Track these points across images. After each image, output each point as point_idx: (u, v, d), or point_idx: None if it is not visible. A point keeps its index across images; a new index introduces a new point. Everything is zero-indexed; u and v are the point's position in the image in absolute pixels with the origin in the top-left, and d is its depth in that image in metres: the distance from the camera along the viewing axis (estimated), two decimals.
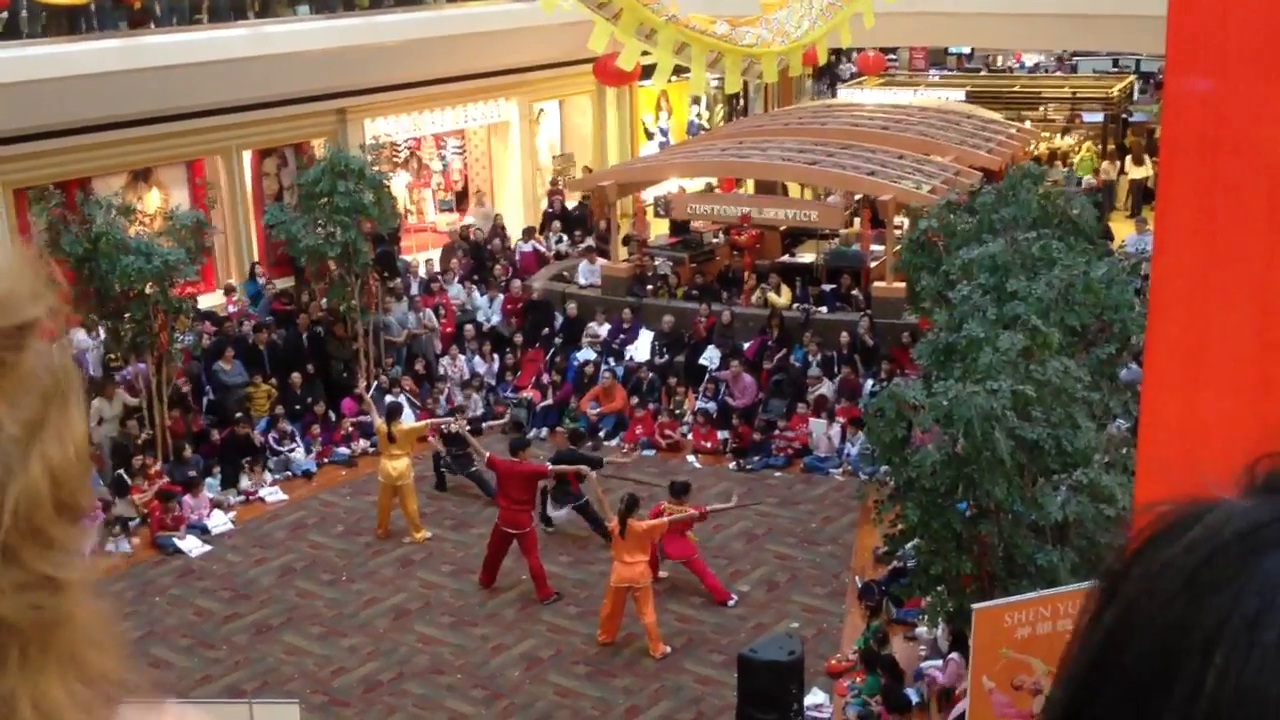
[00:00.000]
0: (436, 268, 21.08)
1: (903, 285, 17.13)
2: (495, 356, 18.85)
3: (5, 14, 17.62)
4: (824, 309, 18.64)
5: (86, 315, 15.52)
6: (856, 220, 19.95)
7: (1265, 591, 0.67)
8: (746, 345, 18.04)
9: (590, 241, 21.21)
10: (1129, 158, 25.73)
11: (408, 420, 15.75)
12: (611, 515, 12.79)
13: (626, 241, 20.62)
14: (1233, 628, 0.67)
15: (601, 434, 17.22)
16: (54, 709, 0.72)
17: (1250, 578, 0.68)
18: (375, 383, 17.78)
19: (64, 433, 0.73)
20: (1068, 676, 0.76)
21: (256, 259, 20.37)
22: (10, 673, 0.70)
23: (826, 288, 19.11)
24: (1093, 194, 20.21)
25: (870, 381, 16.83)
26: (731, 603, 13.25)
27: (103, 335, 16.33)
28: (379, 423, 15.05)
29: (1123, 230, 21.86)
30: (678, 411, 17.48)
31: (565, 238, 22.49)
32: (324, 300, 18.41)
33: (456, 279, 20.53)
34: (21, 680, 0.71)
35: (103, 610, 0.78)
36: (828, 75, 30.46)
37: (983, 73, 31.87)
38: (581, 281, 20.18)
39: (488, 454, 14.14)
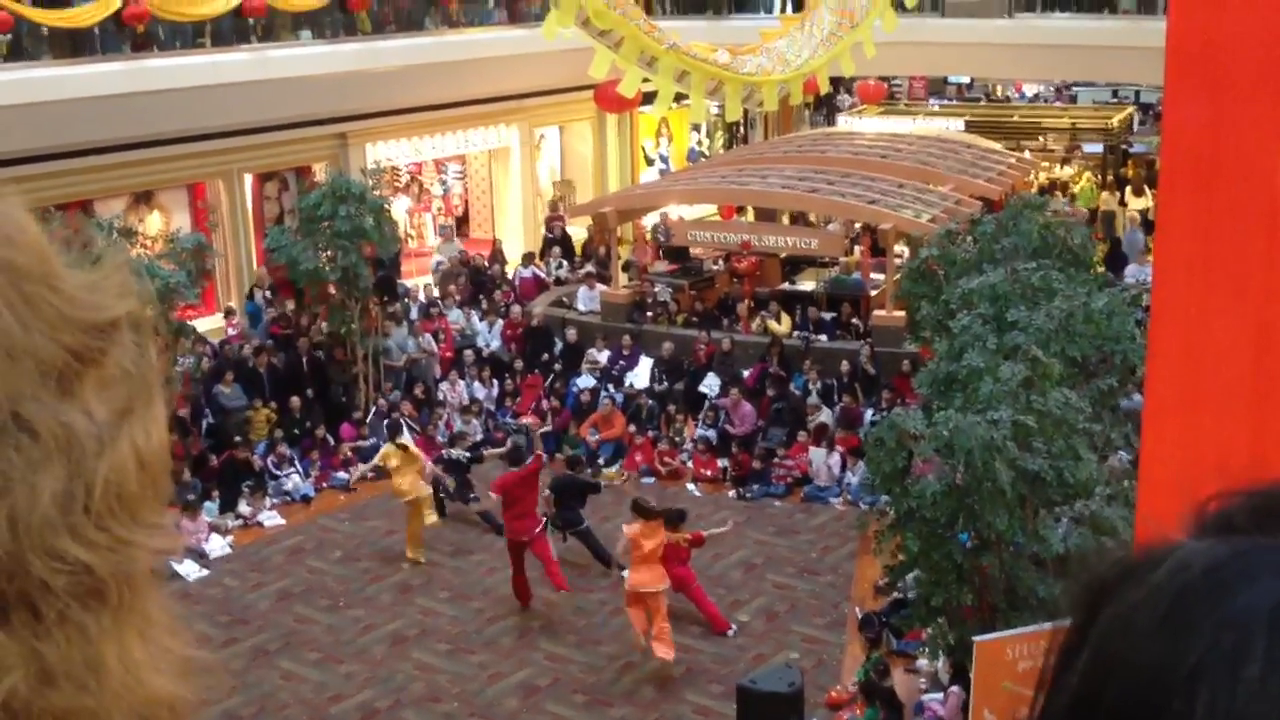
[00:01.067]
0: (435, 292, 21.10)
1: (903, 314, 17.14)
2: (494, 382, 18.84)
3: (9, 36, 17.69)
4: (824, 337, 18.64)
5: None
6: (857, 248, 19.97)
7: (1239, 627, 0.68)
8: (747, 373, 18.02)
9: (590, 267, 21.21)
10: (1129, 188, 25.76)
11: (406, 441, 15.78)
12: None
13: (626, 268, 20.63)
14: (1213, 665, 0.68)
15: (601, 461, 17.18)
16: (135, 664, 0.77)
17: (1223, 615, 0.69)
18: (374, 407, 17.78)
19: (149, 422, 0.79)
20: None
21: (257, 281, 20.38)
22: (102, 622, 0.75)
23: (826, 316, 19.11)
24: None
25: (870, 411, 16.81)
26: (730, 632, 13.18)
27: None
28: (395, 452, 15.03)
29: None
30: (677, 439, 17.45)
31: (565, 263, 22.51)
32: (324, 324, 18.43)
33: (456, 304, 20.54)
34: (111, 631, 0.76)
35: (171, 604, 0.84)
36: (825, 107, 30.53)
37: (982, 102, 31.96)
38: (581, 307, 20.17)
39: (492, 484, 14.10)
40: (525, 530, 13.47)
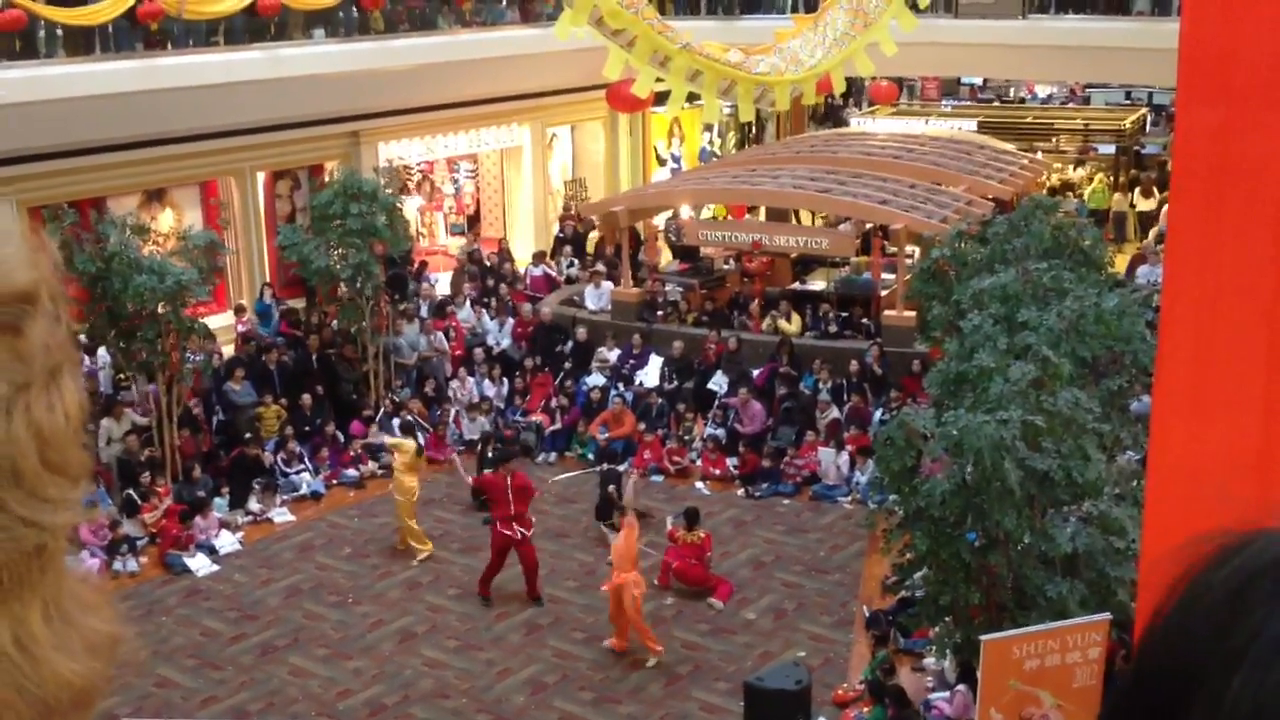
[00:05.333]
0: (442, 291, 21.14)
1: (913, 314, 17.13)
2: (504, 380, 18.87)
3: (23, 33, 17.74)
4: (827, 327, 18.61)
5: (102, 333, 15.58)
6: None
7: None
8: (756, 372, 18.03)
9: (600, 266, 21.21)
10: (1138, 190, 25.72)
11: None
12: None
13: (636, 267, 20.61)
14: (1258, 647, 0.68)
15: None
16: (31, 640, 0.75)
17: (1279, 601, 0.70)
18: (384, 405, 17.84)
19: (53, 397, 0.77)
20: (1113, 696, 0.78)
21: (268, 280, 20.44)
22: None
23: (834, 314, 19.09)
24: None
25: (879, 410, 16.81)
26: (720, 605, 13.56)
27: (107, 357, 16.37)
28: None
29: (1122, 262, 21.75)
30: (686, 437, 17.47)
31: (576, 262, 22.54)
32: (334, 322, 18.48)
33: (467, 302, 20.58)
34: (2, 607, 0.74)
35: (98, 584, 0.82)
36: (830, 119, 30.44)
37: (995, 103, 31.92)
38: (590, 305, 20.19)
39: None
40: (514, 531, 13.76)
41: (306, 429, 17.20)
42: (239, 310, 19.59)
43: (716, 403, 17.85)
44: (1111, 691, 0.79)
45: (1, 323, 0.75)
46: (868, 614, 13.18)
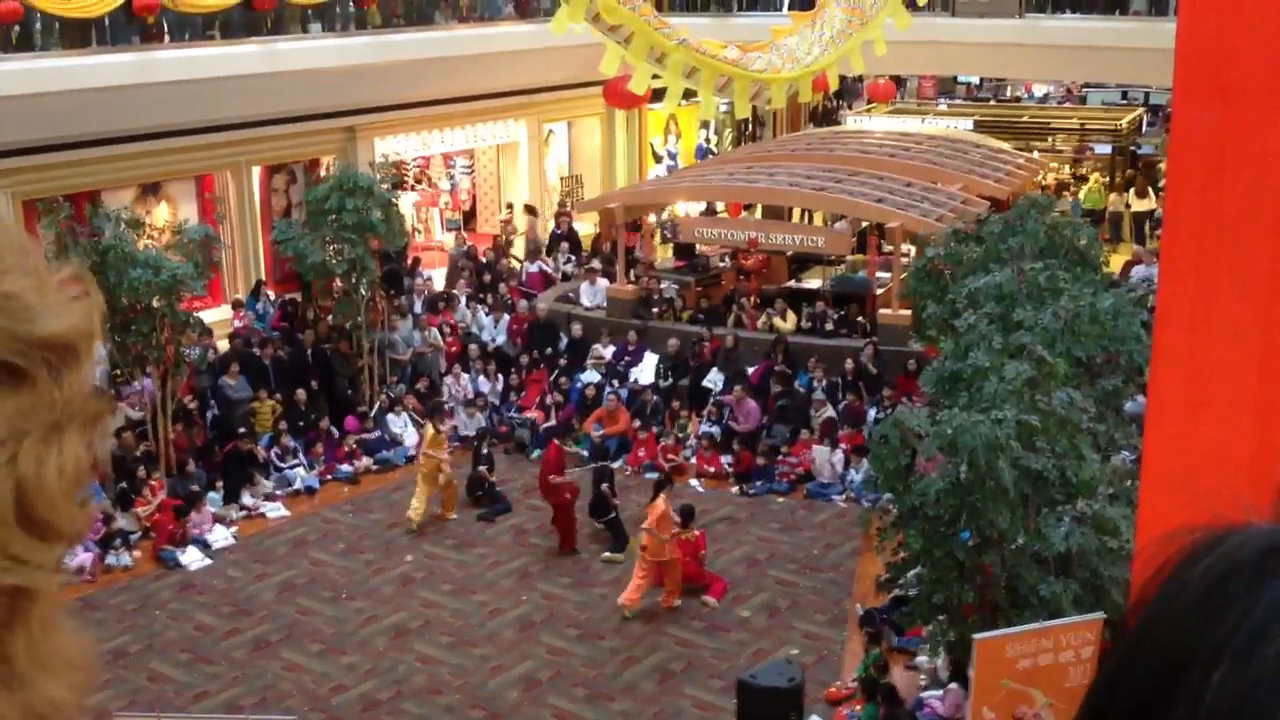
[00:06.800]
0: (438, 286, 21.12)
1: (908, 313, 17.14)
2: (499, 376, 18.85)
3: (18, 26, 17.71)
4: (822, 325, 18.61)
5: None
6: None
7: (1272, 608, 0.68)
8: (751, 370, 18.03)
9: (595, 263, 21.19)
10: (1133, 190, 25.73)
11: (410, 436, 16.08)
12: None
13: (631, 264, 20.60)
14: (1236, 642, 0.68)
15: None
16: None
17: (1259, 596, 0.69)
18: (379, 401, 17.83)
19: (46, 452, 0.72)
20: (1088, 693, 0.78)
21: (263, 276, 20.40)
22: None
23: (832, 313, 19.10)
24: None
25: (874, 409, 16.82)
26: (709, 601, 13.62)
27: (102, 352, 16.33)
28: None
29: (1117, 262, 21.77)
30: (681, 435, 17.47)
31: (573, 259, 22.51)
32: (329, 317, 18.47)
33: (463, 300, 20.56)
34: None
35: (71, 638, 0.76)
36: (828, 117, 30.42)
37: (991, 102, 31.93)
38: (585, 302, 20.17)
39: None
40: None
41: (301, 424, 17.18)
42: (236, 305, 19.56)
43: (711, 400, 17.85)
44: (1095, 679, 0.79)
45: (12, 367, 0.71)
46: (861, 612, 13.19)
